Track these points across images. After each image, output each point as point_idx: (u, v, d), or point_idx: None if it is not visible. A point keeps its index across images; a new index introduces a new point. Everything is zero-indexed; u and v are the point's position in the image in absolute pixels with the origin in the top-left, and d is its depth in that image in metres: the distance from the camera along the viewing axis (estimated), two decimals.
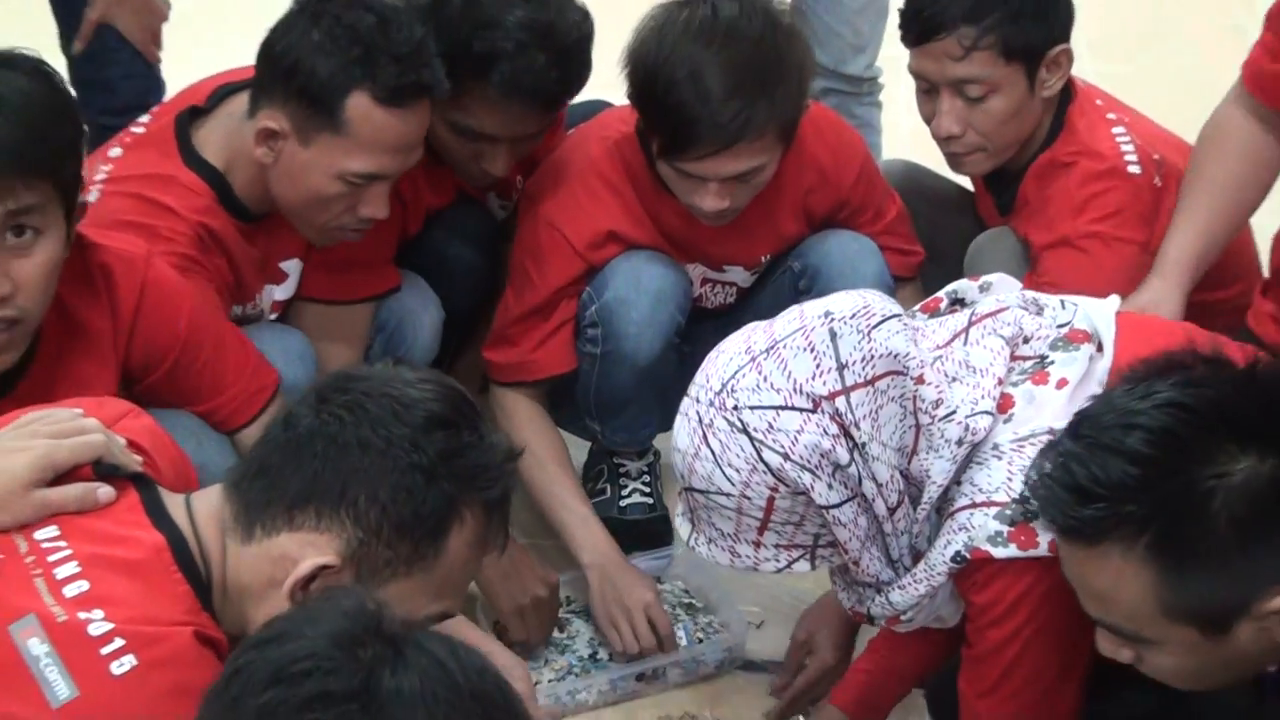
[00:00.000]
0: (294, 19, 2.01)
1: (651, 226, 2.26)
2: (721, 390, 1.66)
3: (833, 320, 1.64)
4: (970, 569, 1.60)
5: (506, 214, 2.42)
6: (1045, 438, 1.58)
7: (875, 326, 1.65)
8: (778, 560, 1.72)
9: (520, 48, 2.07)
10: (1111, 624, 1.46)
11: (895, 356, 1.64)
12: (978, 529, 1.59)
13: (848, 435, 1.63)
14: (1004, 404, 1.66)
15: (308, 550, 1.38)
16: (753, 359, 1.67)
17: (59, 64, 2.38)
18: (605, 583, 2.17)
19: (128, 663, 1.30)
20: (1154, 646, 1.45)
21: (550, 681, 2.12)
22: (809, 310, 1.68)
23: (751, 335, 1.72)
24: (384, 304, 2.33)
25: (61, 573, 1.37)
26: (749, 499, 1.65)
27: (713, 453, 1.66)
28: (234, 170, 2.06)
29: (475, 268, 2.38)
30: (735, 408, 1.64)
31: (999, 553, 1.56)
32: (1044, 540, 1.53)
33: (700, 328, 2.32)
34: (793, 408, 1.62)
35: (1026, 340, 1.71)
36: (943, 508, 1.70)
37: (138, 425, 1.53)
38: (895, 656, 2.00)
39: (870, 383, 1.65)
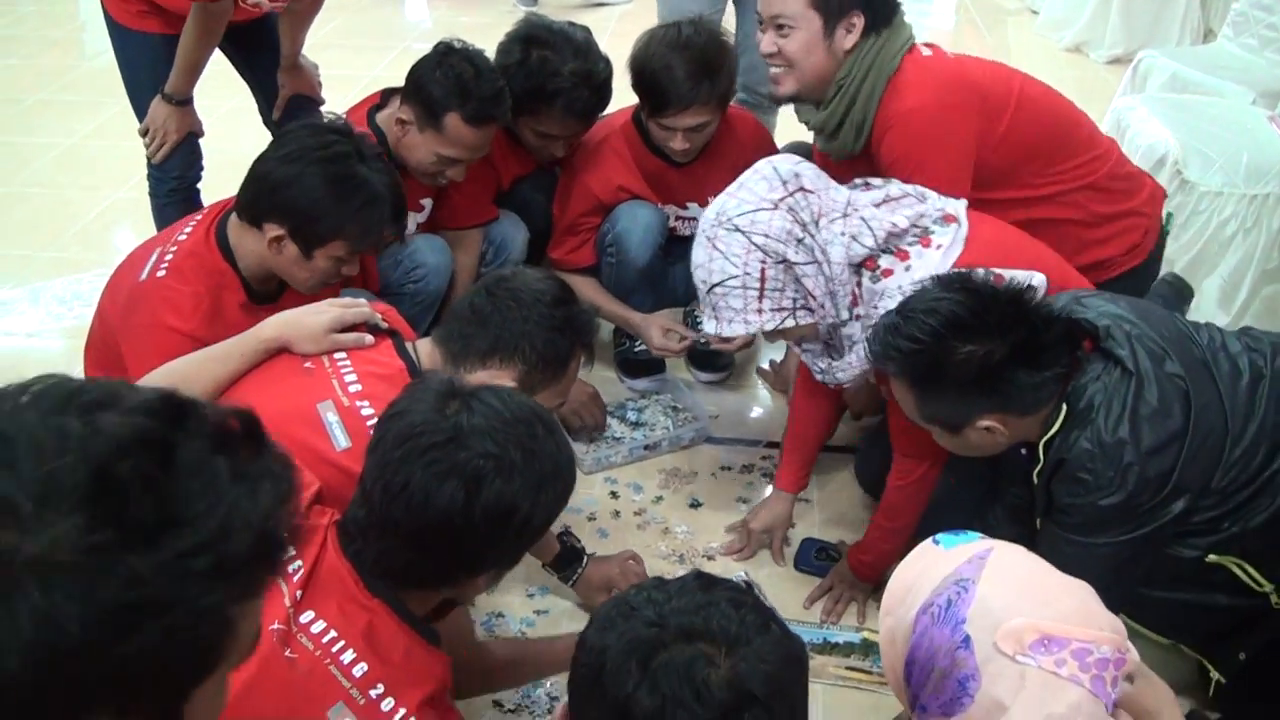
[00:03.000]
0: (430, 59, 2.70)
1: (642, 178, 3.04)
2: (716, 215, 2.15)
3: (773, 161, 2.18)
4: None
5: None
6: (928, 283, 1.98)
7: (799, 164, 2.18)
8: (774, 319, 2.15)
9: (574, 86, 2.85)
10: (913, 419, 1.99)
11: (811, 179, 2.14)
12: None
13: (798, 220, 2.10)
14: (902, 255, 2.14)
15: (497, 379, 1.87)
16: (730, 194, 2.17)
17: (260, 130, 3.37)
18: (643, 322, 3.01)
19: None
20: (939, 434, 1.98)
21: (593, 449, 2.91)
22: (758, 163, 2.19)
23: (727, 188, 2.18)
24: (491, 228, 3.11)
25: (347, 378, 1.87)
26: (749, 274, 2.10)
27: (720, 253, 2.11)
28: (390, 136, 2.77)
29: (545, 207, 3.17)
30: (728, 219, 2.12)
31: None
32: None
33: (677, 247, 3.16)
34: (762, 209, 2.10)
35: (921, 216, 2.17)
36: (870, 319, 2.13)
37: (382, 307, 2.10)
38: (808, 429, 2.62)
39: (802, 190, 2.13)
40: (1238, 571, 1.94)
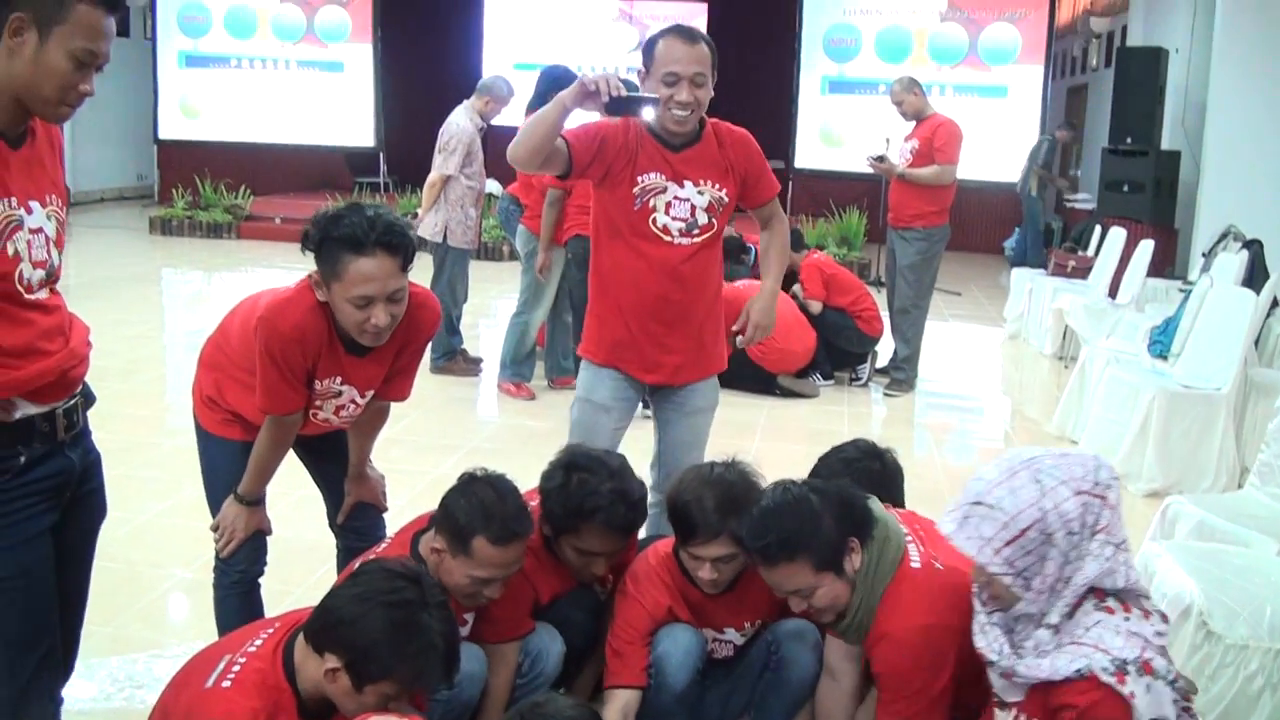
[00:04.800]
0: (455, 490, 2.93)
1: (684, 603, 3.17)
2: (1034, 457, 2.32)
3: (1100, 461, 2.36)
4: (1076, 683, 2.23)
5: (603, 596, 3.35)
6: (1140, 635, 2.25)
7: (1115, 481, 2.35)
8: (999, 569, 2.29)
9: (611, 503, 3.05)
10: None
11: (1116, 498, 2.31)
12: (1095, 661, 2.23)
13: (1084, 519, 2.28)
14: (1126, 607, 2.32)
15: None
16: (1055, 455, 2.35)
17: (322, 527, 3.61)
18: None
19: None
20: None
21: None
22: (1087, 452, 2.39)
23: (1054, 450, 2.38)
24: (528, 640, 3.19)
25: None
26: (1017, 521, 2.26)
27: (1010, 488, 2.27)
28: (429, 563, 2.91)
29: (583, 624, 3.31)
30: (1040, 468, 2.29)
31: (1103, 678, 2.21)
32: (1128, 687, 2.19)
33: (713, 670, 3.24)
34: (1068, 485, 2.28)
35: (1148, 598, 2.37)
36: (1071, 636, 2.29)
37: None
38: None
39: (1103, 500, 2.31)
40: None
